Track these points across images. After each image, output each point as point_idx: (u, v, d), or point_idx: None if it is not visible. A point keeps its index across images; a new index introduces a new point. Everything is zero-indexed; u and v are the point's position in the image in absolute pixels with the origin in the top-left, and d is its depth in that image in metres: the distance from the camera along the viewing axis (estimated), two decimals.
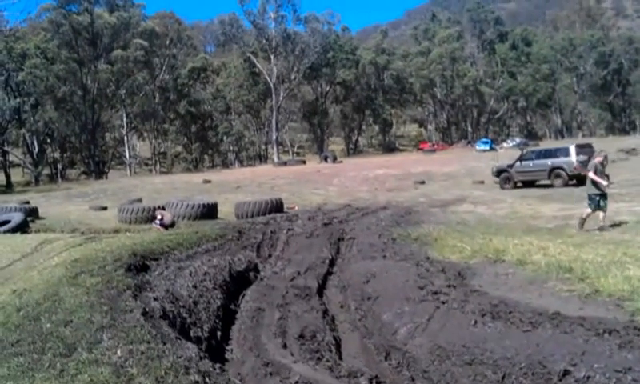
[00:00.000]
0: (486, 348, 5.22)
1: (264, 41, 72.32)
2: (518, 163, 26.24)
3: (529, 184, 25.84)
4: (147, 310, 5.87)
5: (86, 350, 4.55)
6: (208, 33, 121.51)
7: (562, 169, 24.87)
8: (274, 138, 72.63)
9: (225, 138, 78.41)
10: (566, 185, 24.27)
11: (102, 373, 4.04)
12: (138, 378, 3.96)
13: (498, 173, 27.10)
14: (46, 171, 64.40)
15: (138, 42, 62.16)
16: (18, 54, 56.69)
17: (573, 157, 24.86)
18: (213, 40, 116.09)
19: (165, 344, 4.73)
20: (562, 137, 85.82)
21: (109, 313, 5.48)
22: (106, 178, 59.21)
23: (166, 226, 15.81)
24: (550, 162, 25.44)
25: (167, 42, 72.20)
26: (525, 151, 28.20)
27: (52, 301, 6.41)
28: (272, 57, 71.87)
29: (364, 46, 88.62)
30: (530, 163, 26.04)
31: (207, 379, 4.22)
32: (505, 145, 68.48)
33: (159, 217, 16.52)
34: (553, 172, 25.15)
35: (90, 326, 5.13)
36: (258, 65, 73.18)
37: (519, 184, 26.06)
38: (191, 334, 6.53)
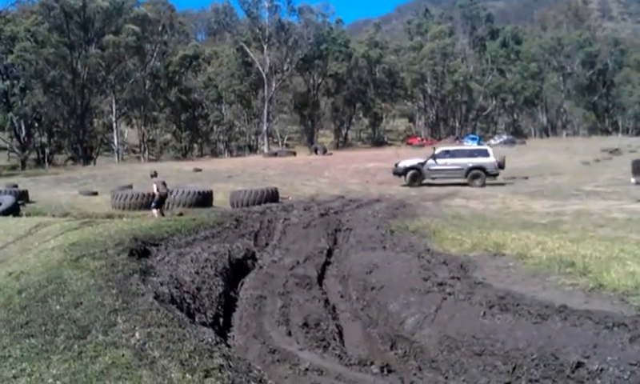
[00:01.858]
0: (496, 339, 5.27)
1: (257, 30, 71.83)
2: (432, 161, 26.30)
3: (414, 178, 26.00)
4: (158, 294, 5.85)
5: (101, 332, 4.52)
6: (199, 20, 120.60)
7: (482, 169, 25.45)
8: (265, 128, 72.32)
9: (215, 127, 77.91)
10: (483, 185, 24.97)
11: (122, 355, 4.01)
12: (161, 361, 3.93)
13: (405, 171, 26.78)
14: (33, 156, 63.57)
15: (130, 27, 61.34)
16: (7, 37, 55.74)
17: (493, 157, 25.96)
18: (204, 28, 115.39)
19: (183, 328, 4.72)
20: (547, 135, 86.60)
21: (119, 296, 5.45)
22: (94, 164, 58.58)
23: (161, 201, 15.83)
24: (468, 161, 25.85)
25: (159, 29, 71.42)
26: (437, 150, 28.11)
27: (56, 283, 6.36)
28: (265, 47, 71.42)
29: (357, 40, 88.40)
30: (446, 162, 26.21)
31: (230, 363, 4.22)
32: (492, 141, 68.79)
33: (155, 188, 16.40)
34: (471, 172, 25.54)
35: (101, 308, 5.09)
36: (251, 54, 72.70)
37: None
38: (196, 320, 6.52)
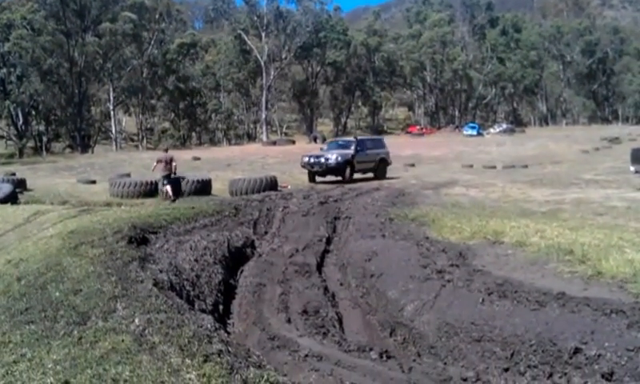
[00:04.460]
0: (495, 325, 5.29)
1: (255, 18, 71.54)
2: (360, 153, 23.74)
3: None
4: (157, 281, 5.86)
5: (100, 318, 4.53)
6: (196, 8, 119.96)
7: (384, 160, 25.05)
8: (264, 117, 72.17)
9: (214, 115, 77.68)
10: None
11: (122, 340, 4.03)
12: (161, 346, 3.95)
13: (344, 164, 22.75)
14: (31, 144, 63.36)
15: (126, 14, 61.01)
16: (3, 25, 55.31)
17: (388, 148, 25.81)
18: (201, 16, 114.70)
19: (182, 314, 4.74)
20: (547, 124, 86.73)
21: (119, 283, 5.46)
22: (92, 152, 58.50)
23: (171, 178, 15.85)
24: (377, 152, 24.89)
25: (156, 16, 71.00)
26: (357, 140, 25.35)
27: (55, 270, 6.37)
28: (263, 35, 71.16)
29: (356, 28, 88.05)
30: (368, 153, 24.27)
31: (229, 348, 4.24)
32: (492, 130, 68.92)
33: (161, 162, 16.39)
34: (381, 163, 24.63)
35: (101, 295, 5.10)
36: (249, 42, 72.39)
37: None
38: (196, 307, 6.53)
